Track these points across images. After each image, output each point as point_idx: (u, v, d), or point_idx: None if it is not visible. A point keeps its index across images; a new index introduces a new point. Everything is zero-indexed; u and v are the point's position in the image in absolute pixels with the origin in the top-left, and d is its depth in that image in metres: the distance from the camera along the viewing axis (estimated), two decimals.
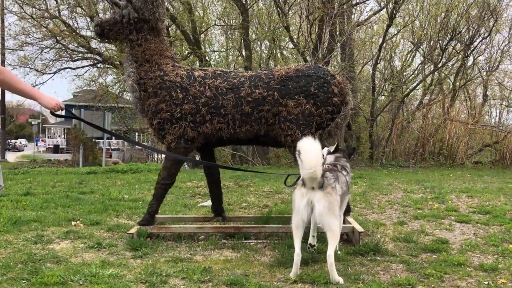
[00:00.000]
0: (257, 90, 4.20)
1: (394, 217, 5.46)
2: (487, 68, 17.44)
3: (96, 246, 4.00)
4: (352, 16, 16.00)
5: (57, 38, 17.75)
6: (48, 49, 18.50)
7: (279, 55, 16.94)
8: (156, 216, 4.53)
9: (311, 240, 3.72)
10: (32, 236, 4.29)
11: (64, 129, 34.64)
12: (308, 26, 14.24)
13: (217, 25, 17.17)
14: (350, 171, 3.86)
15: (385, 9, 14.50)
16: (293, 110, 4.15)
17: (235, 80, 4.28)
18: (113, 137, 33.76)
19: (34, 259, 3.56)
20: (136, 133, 30.65)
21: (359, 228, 4.14)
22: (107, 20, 4.35)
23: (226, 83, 4.26)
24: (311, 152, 3.04)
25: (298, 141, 4.07)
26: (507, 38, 16.70)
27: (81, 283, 3.04)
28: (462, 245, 4.11)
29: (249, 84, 4.23)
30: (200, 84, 4.25)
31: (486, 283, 3.10)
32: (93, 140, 20.11)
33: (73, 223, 4.91)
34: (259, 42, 16.88)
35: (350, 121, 4.49)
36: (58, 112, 3.20)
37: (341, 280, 3.08)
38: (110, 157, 27.55)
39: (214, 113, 4.20)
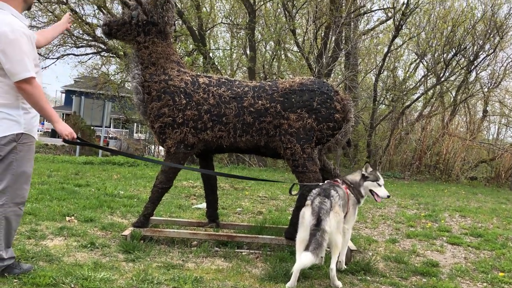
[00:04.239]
0: (260, 101, 4.21)
1: (386, 234, 5.50)
2: (489, 84, 17.51)
3: (89, 245, 4.01)
4: (358, 23, 16.02)
5: None
6: None
7: (283, 56, 16.94)
8: (151, 218, 4.55)
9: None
10: (26, 230, 4.31)
11: (63, 115, 34.54)
12: (315, 30, 14.26)
13: (224, 23, 17.15)
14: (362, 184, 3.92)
15: (392, 20, 14.51)
16: (294, 124, 4.17)
17: (238, 90, 4.29)
18: (111, 126, 33.70)
19: (27, 256, 3.57)
20: (135, 124, 30.65)
21: (351, 246, 4.17)
22: (116, 20, 4.34)
23: (230, 91, 4.27)
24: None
25: (297, 155, 4.14)
26: (511, 56, 16.77)
27: (72, 286, 3.05)
28: (452, 270, 4.14)
29: (253, 95, 4.24)
30: (204, 91, 4.26)
31: None
32: (92, 128, 20.12)
33: (67, 218, 4.93)
34: (264, 43, 16.87)
35: (350, 138, 4.51)
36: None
37: (340, 284, 3.41)
38: (108, 145, 27.54)
39: (215, 121, 4.21)
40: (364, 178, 3.87)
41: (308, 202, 3.47)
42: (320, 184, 3.79)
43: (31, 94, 2.96)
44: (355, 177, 3.94)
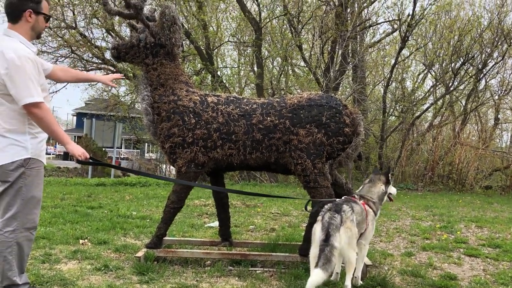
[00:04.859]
0: (268, 118, 4.23)
1: (401, 247, 5.42)
2: (500, 91, 17.36)
3: (103, 268, 4.01)
4: (364, 36, 16.07)
5: (72, 48, 17.99)
6: (63, 58, 18.74)
7: (290, 72, 17.01)
8: (163, 238, 4.54)
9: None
10: (40, 255, 4.32)
11: (75, 137, 34.89)
12: (321, 45, 14.33)
13: (231, 41, 17.31)
14: (378, 196, 3.91)
15: (398, 31, 14.52)
16: (304, 139, 4.16)
17: (247, 107, 4.30)
18: (122, 146, 33.97)
19: (41, 281, 3.58)
20: (146, 144, 30.86)
21: (367, 261, 4.12)
22: (124, 43, 4.41)
23: (238, 109, 4.29)
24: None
25: (308, 170, 4.12)
26: None
27: None
28: (471, 282, 4.06)
29: (261, 112, 4.26)
30: (212, 110, 4.28)
31: None
32: (103, 149, 20.30)
33: (81, 241, 4.94)
34: (271, 59, 16.97)
35: (361, 151, 4.49)
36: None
37: None
38: (119, 166, 27.66)
39: (225, 139, 4.23)
40: (388, 183, 3.92)
41: (319, 217, 3.46)
42: (337, 200, 3.77)
43: (41, 118, 3.00)
44: (375, 188, 3.91)
